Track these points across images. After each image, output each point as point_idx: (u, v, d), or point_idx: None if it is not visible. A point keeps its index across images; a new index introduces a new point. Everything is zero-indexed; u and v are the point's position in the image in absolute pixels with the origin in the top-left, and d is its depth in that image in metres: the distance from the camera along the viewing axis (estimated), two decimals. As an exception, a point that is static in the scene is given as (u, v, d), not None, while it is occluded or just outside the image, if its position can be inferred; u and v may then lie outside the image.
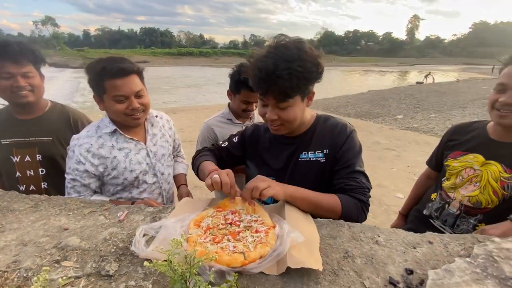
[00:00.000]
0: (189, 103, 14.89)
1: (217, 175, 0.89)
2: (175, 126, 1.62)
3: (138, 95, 1.21)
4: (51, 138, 1.44)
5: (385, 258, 0.71)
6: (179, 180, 1.62)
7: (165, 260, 0.50)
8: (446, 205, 1.22)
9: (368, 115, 10.93)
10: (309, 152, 1.06)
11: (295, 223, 0.82)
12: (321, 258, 0.68)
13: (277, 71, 0.87)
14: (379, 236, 0.80)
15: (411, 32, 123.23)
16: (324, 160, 1.05)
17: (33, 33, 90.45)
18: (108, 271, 0.65)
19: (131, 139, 1.30)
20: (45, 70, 1.48)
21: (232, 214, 0.86)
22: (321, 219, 0.89)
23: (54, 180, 1.44)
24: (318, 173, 1.05)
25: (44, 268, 0.51)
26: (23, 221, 0.87)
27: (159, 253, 0.58)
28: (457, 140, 1.26)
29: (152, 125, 1.41)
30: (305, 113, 1.06)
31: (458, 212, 1.17)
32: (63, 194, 1.23)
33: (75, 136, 1.25)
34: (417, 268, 0.69)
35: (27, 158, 1.41)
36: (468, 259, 0.70)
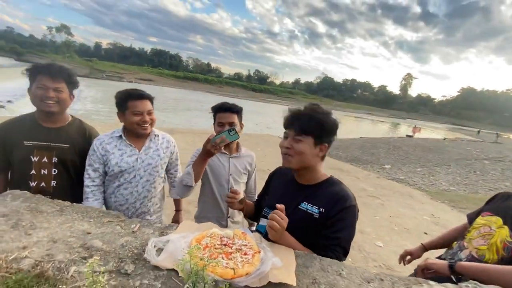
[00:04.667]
0: (188, 126, 15.23)
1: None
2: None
3: (149, 113, 1.74)
4: (68, 146, 1.69)
5: (344, 287, 0.90)
6: (177, 205, 2.13)
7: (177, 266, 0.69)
8: (459, 252, 1.40)
9: (358, 160, 11.37)
10: (309, 204, 1.20)
11: (277, 251, 1.02)
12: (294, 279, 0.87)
13: (302, 112, 1.20)
14: (342, 270, 1.00)
15: (404, 88, 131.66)
16: (317, 217, 1.16)
17: (45, 37, 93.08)
18: (126, 270, 0.82)
19: (129, 144, 1.74)
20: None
21: (227, 237, 1.05)
22: (298, 251, 1.08)
23: (62, 181, 1.69)
24: (308, 226, 1.17)
25: (91, 261, 0.69)
26: (52, 222, 1.04)
27: (166, 262, 0.78)
28: (494, 202, 1.48)
29: (151, 141, 1.82)
30: (318, 165, 1.24)
31: (465, 259, 1.34)
32: (68, 194, 1.54)
33: (97, 137, 1.77)
34: (368, 298, 0.87)
35: (45, 159, 1.62)
36: (407, 296, 0.90)
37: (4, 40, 74.81)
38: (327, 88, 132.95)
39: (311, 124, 1.17)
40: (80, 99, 19.74)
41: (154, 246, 0.94)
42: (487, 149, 17.32)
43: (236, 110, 1.87)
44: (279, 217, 1.05)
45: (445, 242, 1.67)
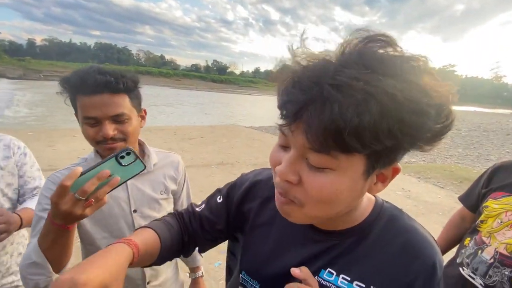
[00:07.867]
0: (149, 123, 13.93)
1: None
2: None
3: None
4: None
5: None
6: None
7: None
8: (479, 251, 1.08)
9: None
10: (341, 276, 0.51)
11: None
12: None
13: (339, 76, 0.35)
14: None
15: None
16: None
17: (-39, 36, 79.30)
18: None
19: None
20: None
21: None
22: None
23: None
24: None
25: None
26: None
27: None
28: (501, 179, 1.13)
29: None
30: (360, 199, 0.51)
31: (492, 260, 1.03)
32: None
33: None
34: None
35: None
36: None
37: None
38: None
39: (371, 124, 0.34)
40: (11, 103, 16.94)
41: None
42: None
43: (126, 87, 0.80)
44: None
45: (447, 245, 1.35)
